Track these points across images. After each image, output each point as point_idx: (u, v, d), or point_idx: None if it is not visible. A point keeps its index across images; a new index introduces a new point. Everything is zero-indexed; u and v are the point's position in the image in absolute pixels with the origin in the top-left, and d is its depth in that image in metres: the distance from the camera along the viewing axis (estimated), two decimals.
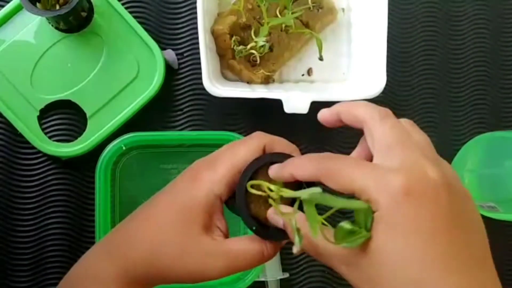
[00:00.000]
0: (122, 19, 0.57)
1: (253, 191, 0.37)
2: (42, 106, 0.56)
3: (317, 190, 0.30)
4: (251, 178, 0.37)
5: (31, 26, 0.56)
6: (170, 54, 0.59)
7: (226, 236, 0.39)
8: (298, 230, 0.31)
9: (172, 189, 0.40)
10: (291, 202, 0.38)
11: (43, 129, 0.57)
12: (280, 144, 0.40)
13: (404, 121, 0.36)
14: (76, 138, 0.57)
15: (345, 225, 0.30)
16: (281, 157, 0.38)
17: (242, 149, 0.39)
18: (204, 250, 0.37)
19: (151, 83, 0.57)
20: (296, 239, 0.31)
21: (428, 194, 0.30)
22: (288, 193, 0.34)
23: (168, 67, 0.59)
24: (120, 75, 0.57)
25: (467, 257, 0.30)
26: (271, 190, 0.36)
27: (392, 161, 0.31)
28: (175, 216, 0.37)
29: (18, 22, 0.56)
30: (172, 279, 0.38)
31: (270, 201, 0.37)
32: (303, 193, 0.30)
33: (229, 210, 0.40)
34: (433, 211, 0.30)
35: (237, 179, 0.38)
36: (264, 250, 0.38)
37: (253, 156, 0.38)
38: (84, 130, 0.57)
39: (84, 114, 0.57)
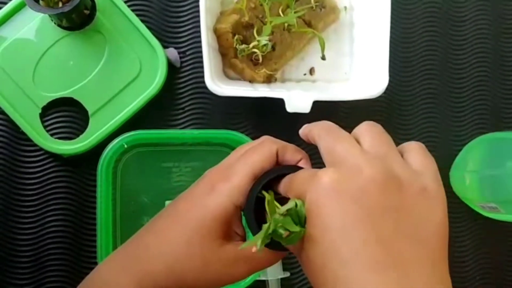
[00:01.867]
0: (124, 17, 0.57)
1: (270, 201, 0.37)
2: (44, 103, 0.56)
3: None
4: (263, 188, 0.37)
5: (33, 24, 0.56)
6: (172, 52, 0.59)
7: (244, 239, 0.39)
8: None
9: (189, 200, 0.39)
10: None
11: (45, 127, 0.57)
12: (291, 150, 0.39)
13: (363, 125, 0.35)
14: (77, 136, 0.57)
15: (280, 230, 0.32)
16: (292, 170, 0.37)
17: (256, 157, 0.38)
18: (227, 259, 0.37)
19: (153, 81, 0.57)
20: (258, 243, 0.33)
21: (353, 190, 0.30)
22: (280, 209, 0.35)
23: (170, 65, 0.59)
24: (122, 73, 0.57)
25: (388, 256, 0.29)
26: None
27: (332, 165, 0.32)
28: (195, 229, 0.37)
29: (20, 20, 0.56)
30: None
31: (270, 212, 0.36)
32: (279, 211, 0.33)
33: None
34: (349, 207, 0.30)
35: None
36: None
37: (268, 163, 0.38)
38: (85, 128, 0.56)
39: (86, 112, 0.57)
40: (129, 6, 0.58)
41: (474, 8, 0.66)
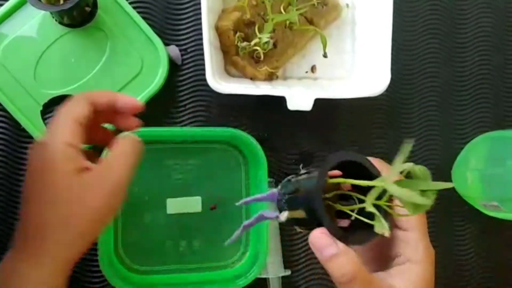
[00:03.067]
0: (126, 15, 0.57)
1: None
2: (45, 100, 0.56)
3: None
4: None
5: (34, 21, 0.56)
6: (174, 50, 0.59)
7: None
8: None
9: (29, 167, 0.42)
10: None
11: (46, 124, 0.57)
12: (122, 98, 0.45)
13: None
14: None
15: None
16: (359, 157, 0.37)
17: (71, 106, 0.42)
18: (83, 184, 0.40)
19: (155, 79, 0.57)
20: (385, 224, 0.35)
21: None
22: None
23: (171, 63, 0.59)
24: (124, 71, 0.57)
25: None
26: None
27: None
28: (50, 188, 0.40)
29: (21, 17, 0.56)
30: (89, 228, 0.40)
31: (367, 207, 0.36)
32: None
33: (282, 206, 0.40)
34: None
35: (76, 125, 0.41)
36: None
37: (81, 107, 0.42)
38: None
39: None
40: (131, 3, 0.58)
41: (476, 6, 0.66)
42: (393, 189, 0.33)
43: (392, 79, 0.57)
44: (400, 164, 0.33)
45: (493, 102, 0.66)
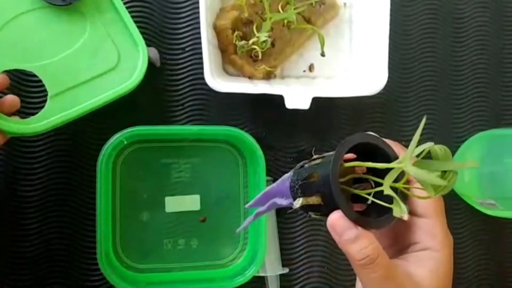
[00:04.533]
0: (112, 5, 0.54)
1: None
2: (1, 71, 0.51)
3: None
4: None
5: None
6: (153, 51, 0.58)
7: None
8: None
9: None
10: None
11: None
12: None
13: None
14: (30, 116, 0.52)
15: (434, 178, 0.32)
16: (375, 139, 0.37)
17: None
18: None
19: (130, 78, 0.54)
20: (403, 207, 0.34)
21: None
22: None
23: (150, 64, 0.56)
24: (96, 62, 0.53)
25: None
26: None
27: None
28: None
29: None
30: None
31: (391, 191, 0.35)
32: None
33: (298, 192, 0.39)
34: None
35: None
36: None
37: None
38: (41, 109, 0.52)
39: (46, 92, 0.52)
40: (128, 2, 0.58)
41: (474, 5, 0.66)
42: (413, 171, 0.32)
43: (389, 78, 0.57)
44: (418, 144, 0.32)
45: (490, 100, 0.66)
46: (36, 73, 0.52)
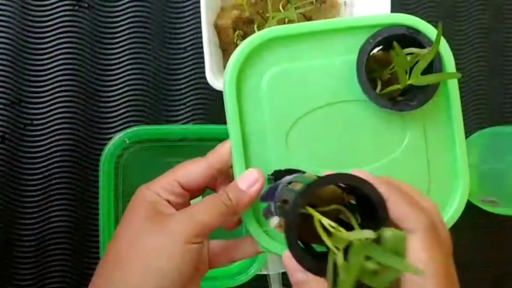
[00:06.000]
0: (449, 120, 0.42)
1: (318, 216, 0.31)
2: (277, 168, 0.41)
3: (370, 234, 0.29)
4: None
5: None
6: None
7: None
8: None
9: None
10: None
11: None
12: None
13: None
14: None
15: (370, 265, 0.28)
16: (352, 179, 0.32)
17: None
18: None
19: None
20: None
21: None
22: (346, 235, 0.30)
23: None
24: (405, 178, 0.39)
25: None
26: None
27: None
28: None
29: (326, 45, 0.41)
30: None
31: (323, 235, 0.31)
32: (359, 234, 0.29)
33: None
34: None
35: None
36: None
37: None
38: None
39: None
40: (129, 2, 0.59)
41: (474, 2, 0.67)
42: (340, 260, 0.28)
43: None
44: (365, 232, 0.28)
45: (490, 98, 0.66)
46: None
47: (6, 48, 0.57)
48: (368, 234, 0.29)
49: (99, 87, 0.59)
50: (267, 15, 0.56)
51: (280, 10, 0.57)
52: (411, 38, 0.39)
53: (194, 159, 0.41)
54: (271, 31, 0.39)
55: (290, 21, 0.58)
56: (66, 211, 0.58)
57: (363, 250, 0.28)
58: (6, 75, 0.57)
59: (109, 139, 0.55)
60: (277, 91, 0.40)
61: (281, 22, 0.58)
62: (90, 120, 0.59)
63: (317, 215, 0.31)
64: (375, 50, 0.41)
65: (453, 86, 0.41)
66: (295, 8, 0.56)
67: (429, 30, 0.40)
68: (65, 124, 0.58)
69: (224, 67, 0.60)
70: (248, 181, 0.38)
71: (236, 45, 0.57)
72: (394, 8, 0.58)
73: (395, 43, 0.37)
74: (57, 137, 0.58)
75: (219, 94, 0.55)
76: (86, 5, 0.59)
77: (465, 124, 0.64)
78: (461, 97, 0.65)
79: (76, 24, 0.59)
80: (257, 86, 0.40)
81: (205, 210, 0.37)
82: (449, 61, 0.40)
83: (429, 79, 0.39)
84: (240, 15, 0.57)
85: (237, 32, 0.57)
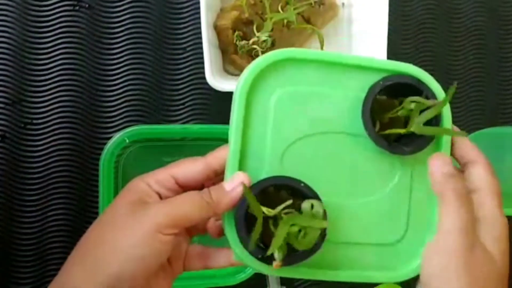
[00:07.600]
0: None
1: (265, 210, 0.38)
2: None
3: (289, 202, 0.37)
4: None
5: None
6: None
7: None
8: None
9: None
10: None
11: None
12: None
13: None
14: None
15: (294, 228, 0.37)
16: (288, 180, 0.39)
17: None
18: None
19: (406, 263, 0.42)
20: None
21: None
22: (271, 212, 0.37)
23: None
24: (386, 225, 0.42)
25: None
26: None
27: None
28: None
29: (333, 75, 0.41)
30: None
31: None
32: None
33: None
34: None
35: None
36: None
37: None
38: None
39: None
40: (130, 2, 0.59)
41: (471, 3, 0.67)
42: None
43: None
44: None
45: (488, 99, 0.67)
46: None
47: (7, 47, 0.58)
48: (287, 202, 0.37)
49: (99, 86, 0.59)
50: (266, 16, 0.56)
51: (279, 11, 0.58)
52: (415, 87, 0.41)
53: (193, 157, 0.41)
54: (291, 51, 0.40)
55: (289, 22, 0.58)
56: (66, 210, 0.58)
57: (289, 220, 0.37)
58: (7, 75, 0.58)
59: (109, 138, 0.55)
60: (282, 110, 0.40)
61: (280, 23, 0.59)
62: (90, 119, 0.59)
63: (257, 205, 0.37)
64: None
65: (446, 141, 0.42)
66: (294, 9, 0.56)
67: (434, 85, 0.42)
68: (65, 123, 0.58)
69: (224, 67, 0.60)
70: (234, 183, 0.38)
71: (236, 45, 0.57)
72: (392, 6, 0.59)
73: (419, 98, 0.40)
74: (57, 136, 0.58)
75: (218, 94, 0.56)
76: (86, 5, 0.59)
77: (464, 125, 0.64)
78: (460, 97, 0.66)
79: (76, 24, 0.59)
80: (266, 101, 0.40)
81: (183, 202, 0.37)
82: (447, 117, 0.42)
83: (431, 130, 0.40)
84: (239, 16, 0.57)
85: (236, 33, 0.57)
